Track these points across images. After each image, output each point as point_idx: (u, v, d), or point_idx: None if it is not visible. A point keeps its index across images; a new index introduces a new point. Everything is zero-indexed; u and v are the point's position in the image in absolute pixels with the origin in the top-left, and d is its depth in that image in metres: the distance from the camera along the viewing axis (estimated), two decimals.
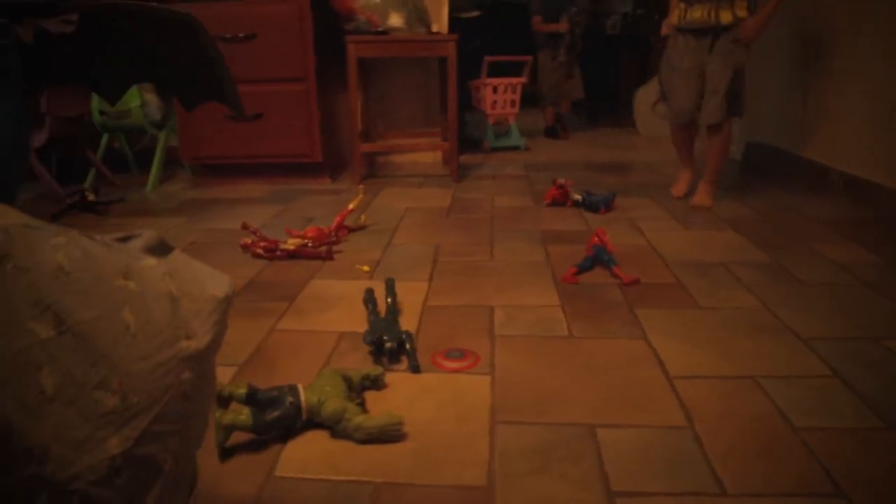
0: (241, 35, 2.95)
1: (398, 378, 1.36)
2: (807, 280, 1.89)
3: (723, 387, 1.32)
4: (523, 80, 4.21)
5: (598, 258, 1.99)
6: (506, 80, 4.20)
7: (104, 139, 3.33)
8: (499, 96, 4.24)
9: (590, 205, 2.69)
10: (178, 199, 3.05)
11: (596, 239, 2.05)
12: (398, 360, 1.43)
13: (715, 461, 1.08)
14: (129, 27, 1.17)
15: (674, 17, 2.66)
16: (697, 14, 2.57)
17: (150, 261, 0.71)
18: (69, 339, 0.58)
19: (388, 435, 1.13)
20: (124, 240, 0.76)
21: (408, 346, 1.43)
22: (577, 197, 2.73)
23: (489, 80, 4.18)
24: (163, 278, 0.69)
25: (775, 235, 2.34)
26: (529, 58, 4.23)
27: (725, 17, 2.52)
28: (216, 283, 0.75)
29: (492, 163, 3.93)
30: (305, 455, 1.11)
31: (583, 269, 1.95)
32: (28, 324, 0.57)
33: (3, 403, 0.54)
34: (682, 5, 2.62)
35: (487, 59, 4.15)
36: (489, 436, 1.16)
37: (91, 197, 2.77)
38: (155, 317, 0.65)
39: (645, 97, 4.89)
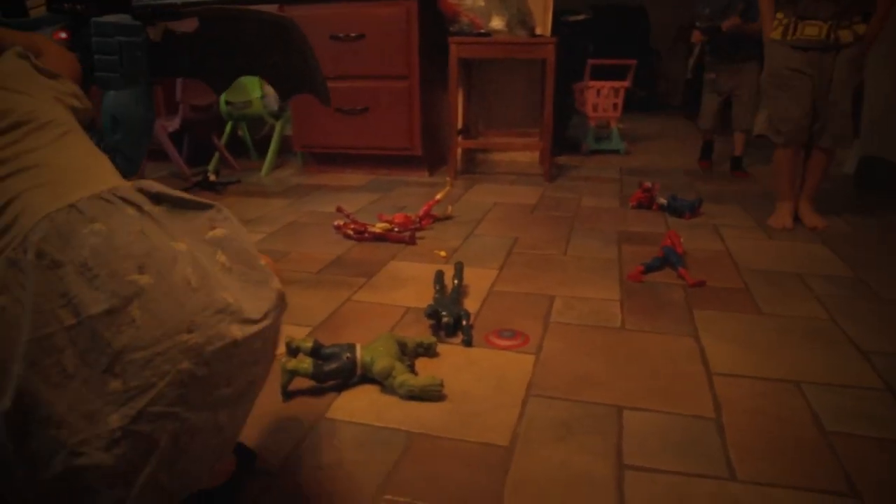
0: (352, 35, 3.18)
1: (450, 349, 1.49)
2: (888, 298, 1.83)
3: (762, 387, 1.34)
4: (626, 84, 4.20)
5: (667, 259, 2.02)
6: (608, 84, 4.21)
7: (229, 126, 3.69)
8: (600, 100, 4.25)
9: (675, 209, 2.68)
10: (287, 183, 3.34)
11: (668, 240, 2.09)
12: (454, 335, 1.56)
13: (732, 450, 1.13)
14: (237, 29, 1.39)
15: (777, 32, 2.48)
16: (812, 31, 2.40)
17: (181, 245, 0.76)
18: (86, 328, 0.69)
19: (429, 394, 1.26)
20: (203, 207, 0.83)
21: (464, 322, 1.56)
22: (663, 201, 2.74)
23: (591, 83, 4.21)
24: (184, 269, 0.74)
25: (868, 252, 2.25)
26: (633, 61, 4.20)
27: (845, 36, 2.37)
28: (248, 291, 0.79)
29: (589, 165, 3.97)
30: (355, 404, 1.27)
31: (650, 268, 1.99)
32: (57, 311, 0.69)
33: (32, 379, 0.67)
34: (787, 19, 2.44)
35: (591, 61, 4.17)
36: (521, 405, 1.26)
37: (212, 177, 3.12)
38: (161, 309, 0.72)
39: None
